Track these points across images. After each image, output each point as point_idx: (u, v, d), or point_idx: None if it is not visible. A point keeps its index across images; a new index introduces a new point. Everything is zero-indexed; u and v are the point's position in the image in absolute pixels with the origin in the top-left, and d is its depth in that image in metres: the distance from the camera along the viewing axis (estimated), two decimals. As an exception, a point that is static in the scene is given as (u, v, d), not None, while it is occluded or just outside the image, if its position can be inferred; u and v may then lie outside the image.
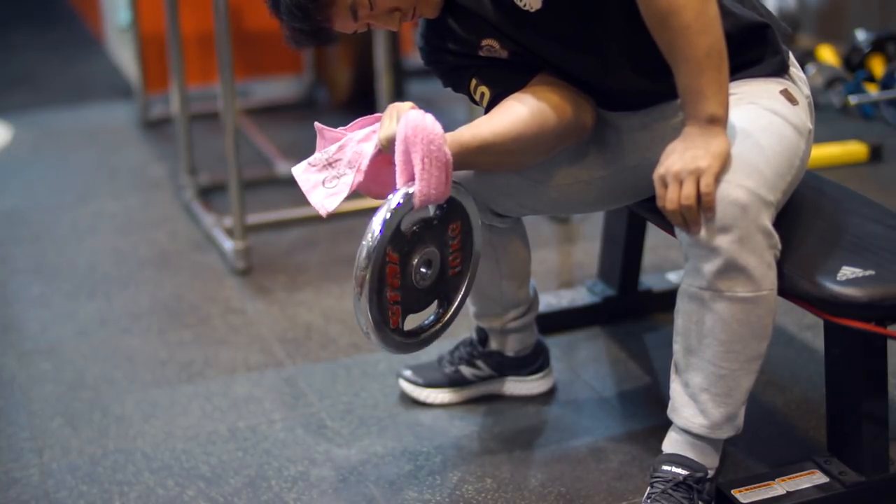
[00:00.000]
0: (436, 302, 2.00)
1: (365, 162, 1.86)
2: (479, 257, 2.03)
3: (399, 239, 1.86)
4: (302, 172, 1.90)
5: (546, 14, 1.83)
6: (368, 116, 1.92)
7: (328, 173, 1.89)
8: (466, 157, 1.87)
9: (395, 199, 1.82)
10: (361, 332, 1.90)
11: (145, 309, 2.85)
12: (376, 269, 1.84)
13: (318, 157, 1.90)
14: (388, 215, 1.82)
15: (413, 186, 1.81)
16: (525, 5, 1.83)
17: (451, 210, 1.93)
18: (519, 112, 1.89)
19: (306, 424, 2.30)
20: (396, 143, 1.81)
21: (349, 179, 1.87)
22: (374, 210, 1.85)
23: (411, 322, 1.96)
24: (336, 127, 1.93)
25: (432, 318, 2.01)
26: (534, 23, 1.85)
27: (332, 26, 1.90)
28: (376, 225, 1.82)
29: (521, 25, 1.87)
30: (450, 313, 2.02)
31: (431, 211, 1.90)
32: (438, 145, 1.79)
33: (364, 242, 1.82)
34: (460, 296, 2.02)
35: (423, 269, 1.93)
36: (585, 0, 1.82)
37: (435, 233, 1.92)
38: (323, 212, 1.86)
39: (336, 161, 1.89)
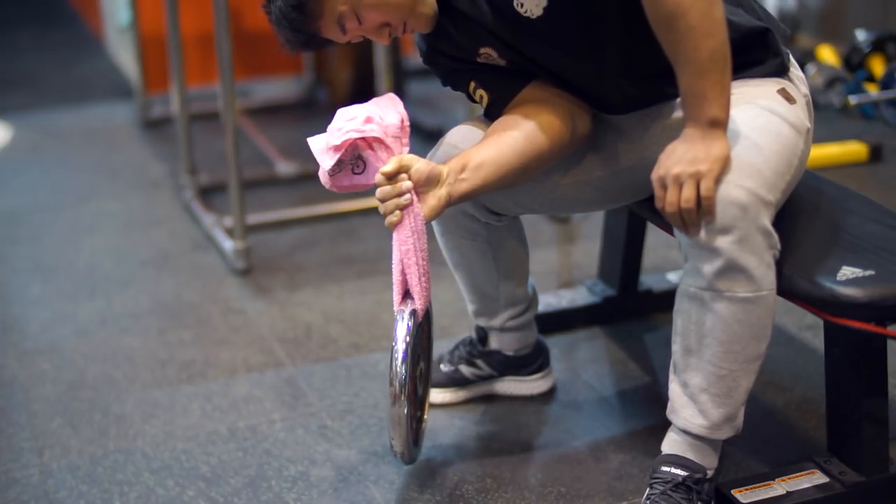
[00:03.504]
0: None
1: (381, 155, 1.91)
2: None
3: (413, 356, 1.94)
4: (332, 184, 1.92)
5: (546, 21, 1.83)
6: (345, 111, 1.91)
7: (351, 165, 1.92)
8: (470, 199, 1.93)
9: (405, 321, 1.91)
10: (392, 453, 1.98)
11: (145, 309, 2.85)
12: (408, 388, 1.92)
13: (333, 165, 1.90)
14: (408, 337, 1.90)
15: (412, 304, 1.91)
16: (526, 12, 1.83)
17: (424, 317, 2.01)
18: (519, 146, 1.89)
19: (306, 424, 2.30)
20: (393, 263, 1.89)
21: (367, 155, 1.90)
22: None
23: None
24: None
25: (416, 423, 2.07)
26: (534, 29, 1.85)
27: (322, 37, 1.90)
28: (402, 344, 1.90)
29: (520, 32, 1.87)
30: (426, 413, 2.13)
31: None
32: (426, 260, 1.90)
33: (395, 363, 1.90)
34: (427, 394, 2.14)
35: (420, 379, 2.03)
36: (585, 7, 1.82)
37: (419, 341, 2.01)
38: (372, 185, 1.92)
39: (351, 157, 1.92)
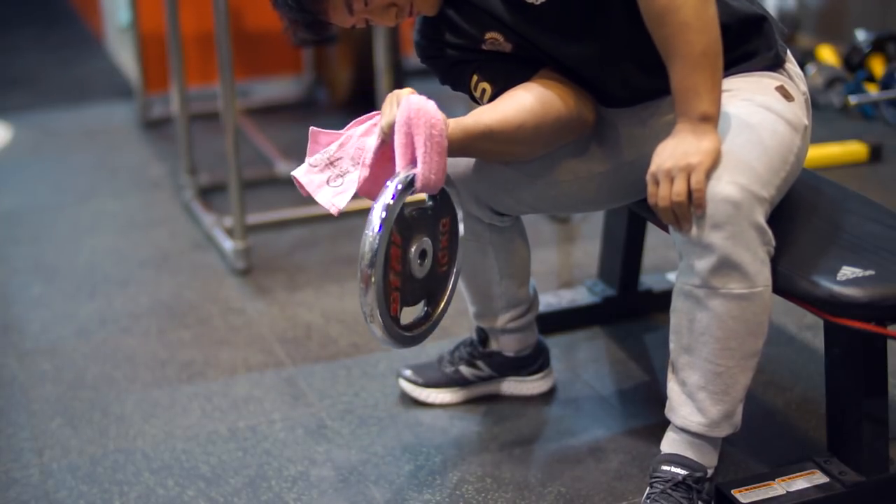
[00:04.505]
0: (424, 300, 1.96)
1: (369, 156, 1.85)
2: (462, 261, 2.00)
3: (402, 221, 1.82)
4: (304, 174, 1.89)
5: (550, 7, 1.84)
6: (365, 115, 1.92)
7: (331, 172, 1.88)
8: (468, 143, 1.86)
9: (398, 179, 1.80)
10: (362, 313, 1.82)
11: (145, 309, 2.85)
12: (384, 248, 1.79)
13: (317, 157, 1.89)
14: (395, 194, 1.78)
15: (415, 169, 1.80)
16: None
17: (442, 204, 1.91)
18: (522, 102, 1.89)
19: (306, 424, 2.30)
20: (397, 125, 1.79)
21: (355, 176, 1.86)
22: (370, 210, 1.84)
23: (405, 316, 1.92)
24: (333, 129, 1.93)
25: (421, 316, 1.96)
26: (537, 16, 1.85)
27: (327, 19, 1.90)
28: (384, 201, 1.77)
29: (524, 18, 1.87)
30: (437, 312, 1.98)
31: (427, 201, 1.88)
32: (440, 130, 1.78)
33: (371, 219, 1.77)
34: (447, 296, 1.98)
35: (419, 259, 1.89)
36: None
37: (429, 224, 1.90)
38: (334, 210, 1.85)
39: (338, 160, 1.88)
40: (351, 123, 1.91)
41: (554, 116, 1.90)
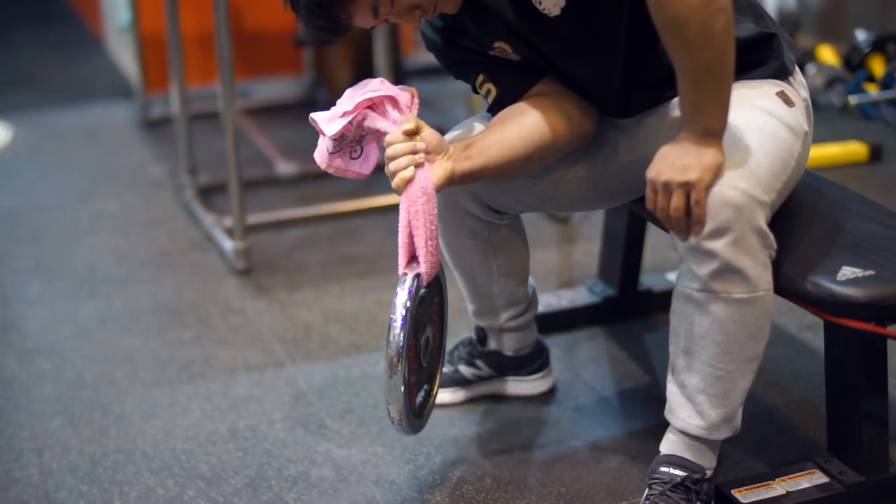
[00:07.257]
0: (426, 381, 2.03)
1: (378, 122, 1.88)
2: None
3: (413, 322, 1.88)
4: (328, 164, 1.91)
5: (564, 20, 1.83)
6: (360, 85, 1.90)
7: (348, 149, 1.91)
8: (471, 181, 1.91)
9: (408, 282, 1.85)
10: (390, 420, 1.90)
11: (145, 309, 2.85)
12: (406, 355, 1.85)
13: (333, 144, 1.90)
14: (408, 302, 1.84)
15: (418, 268, 1.86)
16: (544, 9, 1.83)
17: (434, 285, 1.96)
18: (524, 132, 1.89)
19: (306, 424, 2.30)
20: (400, 224, 1.84)
21: (369, 147, 1.91)
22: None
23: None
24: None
25: (423, 395, 2.01)
26: (551, 28, 1.85)
27: (351, 23, 1.88)
28: (400, 312, 1.84)
29: (537, 29, 1.86)
30: (435, 387, 2.05)
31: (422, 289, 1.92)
32: (437, 225, 1.85)
33: (392, 331, 1.83)
34: (439, 369, 2.06)
35: (425, 348, 1.96)
36: (602, 9, 1.82)
37: (426, 310, 1.95)
38: (364, 176, 1.93)
39: (352, 139, 1.91)
40: (345, 96, 1.90)
41: (556, 142, 1.92)
